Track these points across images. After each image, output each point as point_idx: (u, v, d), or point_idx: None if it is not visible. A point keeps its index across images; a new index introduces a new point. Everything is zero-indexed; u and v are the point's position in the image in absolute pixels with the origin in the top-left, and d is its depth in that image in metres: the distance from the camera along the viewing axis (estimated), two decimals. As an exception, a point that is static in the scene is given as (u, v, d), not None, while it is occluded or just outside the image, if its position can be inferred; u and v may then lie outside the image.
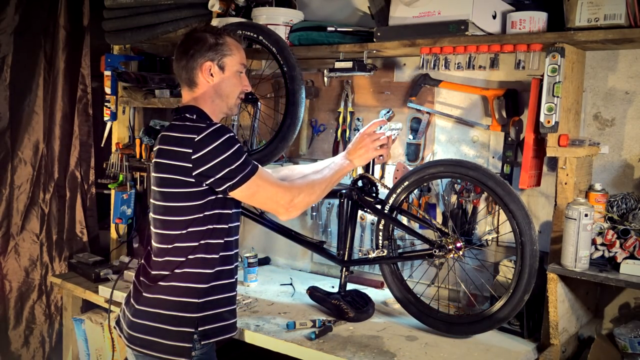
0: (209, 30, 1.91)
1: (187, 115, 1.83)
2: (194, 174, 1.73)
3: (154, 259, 1.87)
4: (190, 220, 1.79)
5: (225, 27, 2.04)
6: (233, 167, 1.73)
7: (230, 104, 1.93)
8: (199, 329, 1.81)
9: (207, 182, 1.75)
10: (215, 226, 1.82)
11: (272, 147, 2.41)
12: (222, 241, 1.84)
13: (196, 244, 1.80)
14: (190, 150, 1.72)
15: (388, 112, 2.63)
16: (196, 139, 1.72)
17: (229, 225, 1.86)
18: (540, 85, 1.98)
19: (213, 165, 1.72)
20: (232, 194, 1.78)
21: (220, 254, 1.84)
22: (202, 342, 1.82)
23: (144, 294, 1.85)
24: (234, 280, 1.92)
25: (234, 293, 1.93)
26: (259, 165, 1.82)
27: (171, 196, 1.79)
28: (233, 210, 1.87)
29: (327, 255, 2.39)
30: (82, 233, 3.40)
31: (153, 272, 1.85)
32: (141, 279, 1.89)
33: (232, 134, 1.76)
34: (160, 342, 1.81)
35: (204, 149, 1.71)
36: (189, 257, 1.80)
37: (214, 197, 1.79)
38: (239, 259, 1.99)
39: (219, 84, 1.88)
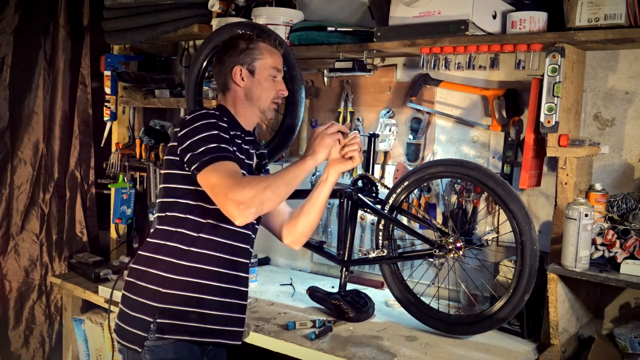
0: (242, 36, 1.94)
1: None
2: (178, 152, 1.74)
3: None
4: (172, 202, 1.79)
5: (260, 33, 2.02)
6: (197, 151, 1.69)
7: (263, 108, 1.91)
8: (157, 320, 1.74)
9: (185, 164, 1.73)
10: (191, 217, 1.78)
11: (272, 147, 2.41)
12: (194, 234, 1.78)
13: (173, 229, 1.78)
14: (178, 129, 1.76)
15: (388, 112, 2.63)
16: (185, 119, 1.76)
17: (208, 220, 1.79)
18: (541, 85, 1.98)
19: (186, 145, 1.72)
20: (198, 181, 1.70)
21: (192, 248, 1.77)
22: (157, 335, 1.74)
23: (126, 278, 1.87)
24: (210, 283, 1.80)
25: (211, 297, 1.80)
26: (230, 159, 1.70)
27: (168, 177, 1.82)
28: (214, 207, 1.77)
29: (327, 256, 2.39)
30: (82, 233, 3.40)
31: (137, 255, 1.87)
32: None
33: (213, 121, 1.74)
34: (123, 327, 1.80)
35: (185, 128, 1.74)
36: (168, 243, 1.78)
37: (192, 188, 1.76)
38: (236, 266, 1.86)
39: (249, 88, 1.89)
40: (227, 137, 1.76)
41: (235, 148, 1.79)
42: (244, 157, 1.83)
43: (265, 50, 1.90)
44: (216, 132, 1.73)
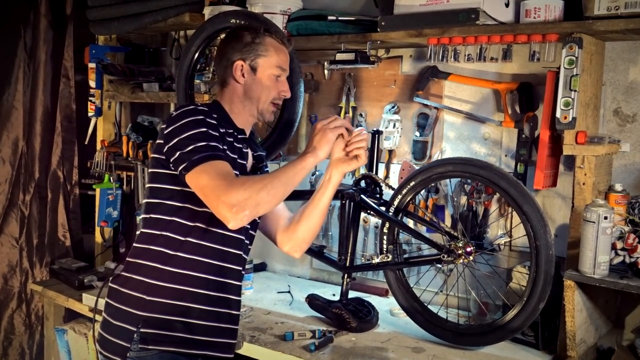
0: (249, 28, 1.93)
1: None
2: (164, 150, 1.74)
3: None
4: (157, 204, 1.80)
5: (268, 26, 2.01)
6: (185, 150, 1.69)
7: (261, 109, 1.90)
8: (141, 329, 1.75)
9: (171, 163, 1.74)
10: (178, 220, 1.78)
11: (269, 144, 2.41)
12: (181, 238, 1.78)
13: (158, 232, 1.78)
14: (165, 126, 1.76)
15: (393, 107, 2.63)
16: (172, 115, 1.77)
17: (196, 224, 1.79)
18: (557, 79, 1.98)
19: (173, 144, 1.72)
20: (187, 182, 1.71)
21: (179, 253, 1.78)
22: (140, 346, 1.75)
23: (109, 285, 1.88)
24: (197, 291, 1.80)
25: (198, 306, 1.80)
26: (221, 158, 1.71)
27: (154, 177, 1.82)
28: (203, 209, 1.77)
29: (327, 261, 2.39)
30: (64, 237, 3.40)
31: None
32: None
33: (201, 117, 1.74)
34: (106, 337, 1.81)
35: (172, 125, 1.74)
36: (152, 247, 1.79)
37: (179, 189, 1.77)
38: (225, 273, 1.86)
39: (249, 86, 1.88)
40: (217, 134, 1.76)
41: (226, 147, 1.79)
42: (236, 157, 1.83)
43: (271, 47, 1.89)
44: (205, 129, 1.73)
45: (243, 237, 1.88)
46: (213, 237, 1.80)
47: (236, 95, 1.90)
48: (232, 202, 1.60)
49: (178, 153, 1.70)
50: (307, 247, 2.02)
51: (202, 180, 1.65)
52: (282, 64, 1.90)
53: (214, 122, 1.78)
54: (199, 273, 1.80)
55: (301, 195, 2.19)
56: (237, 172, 1.79)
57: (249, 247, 1.96)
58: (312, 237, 1.99)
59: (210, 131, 1.74)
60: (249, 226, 1.89)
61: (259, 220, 1.97)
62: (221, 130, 1.79)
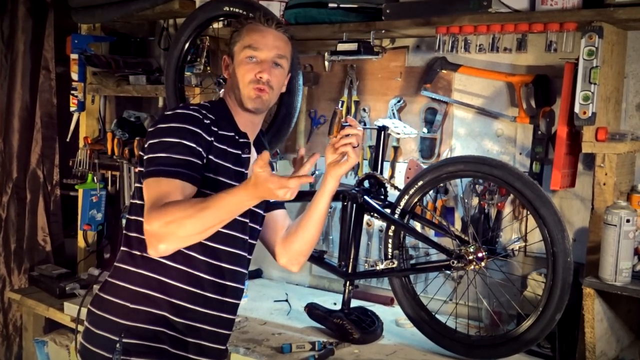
0: (237, 19, 1.97)
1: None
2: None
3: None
4: (143, 205, 1.75)
5: (251, 11, 2.02)
6: (150, 155, 1.71)
7: (241, 95, 1.84)
8: (124, 339, 1.75)
9: None
10: None
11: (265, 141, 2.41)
12: None
13: (143, 237, 1.73)
14: (152, 124, 1.79)
15: (398, 101, 2.63)
16: (162, 114, 1.80)
17: None
18: (575, 71, 1.99)
19: (148, 145, 1.74)
20: None
21: (168, 262, 1.76)
22: (123, 357, 1.74)
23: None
24: (181, 303, 1.77)
25: (183, 321, 1.78)
26: (179, 177, 1.66)
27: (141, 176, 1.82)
28: None
29: (328, 267, 2.39)
30: (44, 241, 3.40)
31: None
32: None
33: (183, 126, 1.72)
34: (87, 347, 1.80)
35: (157, 125, 1.76)
36: (136, 252, 1.78)
37: None
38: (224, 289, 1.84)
39: (232, 76, 1.89)
40: (194, 145, 1.71)
41: (212, 156, 1.75)
42: (229, 165, 1.80)
43: (245, 29, 1.87)
44: (178, 140, 1.70)
45: (239, 251, 1.86)
46: (203, 250, 1.78)
47: (227, 90, 1.92)
48: (151, 231, 1.61)
49: (146, 156, 1.73)
50: (305, 260, 2.00)
51: (144, 195, 1.68)
52: (252, 43, 1.84)
53: (200, 129, 1.74)
54: (175, 280, 1.78)
55: (300, 197, 2.19)
56: (229, 182, 1.75)
57: (249, 257, 1.93)
58: (310, 250, 1.97)
59: (186, 142, 1.70)
60: (247, 237, 1.87)
61: (259, 228, 1.96)
62: (209, 138, 1.75)
